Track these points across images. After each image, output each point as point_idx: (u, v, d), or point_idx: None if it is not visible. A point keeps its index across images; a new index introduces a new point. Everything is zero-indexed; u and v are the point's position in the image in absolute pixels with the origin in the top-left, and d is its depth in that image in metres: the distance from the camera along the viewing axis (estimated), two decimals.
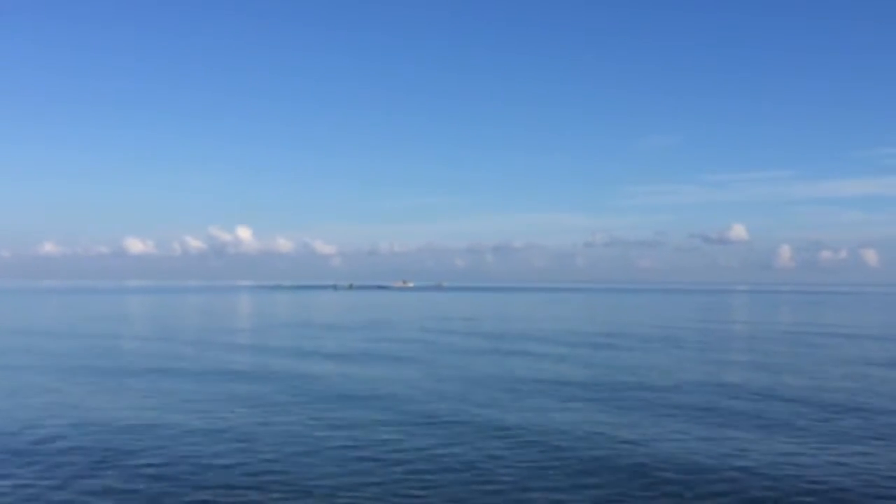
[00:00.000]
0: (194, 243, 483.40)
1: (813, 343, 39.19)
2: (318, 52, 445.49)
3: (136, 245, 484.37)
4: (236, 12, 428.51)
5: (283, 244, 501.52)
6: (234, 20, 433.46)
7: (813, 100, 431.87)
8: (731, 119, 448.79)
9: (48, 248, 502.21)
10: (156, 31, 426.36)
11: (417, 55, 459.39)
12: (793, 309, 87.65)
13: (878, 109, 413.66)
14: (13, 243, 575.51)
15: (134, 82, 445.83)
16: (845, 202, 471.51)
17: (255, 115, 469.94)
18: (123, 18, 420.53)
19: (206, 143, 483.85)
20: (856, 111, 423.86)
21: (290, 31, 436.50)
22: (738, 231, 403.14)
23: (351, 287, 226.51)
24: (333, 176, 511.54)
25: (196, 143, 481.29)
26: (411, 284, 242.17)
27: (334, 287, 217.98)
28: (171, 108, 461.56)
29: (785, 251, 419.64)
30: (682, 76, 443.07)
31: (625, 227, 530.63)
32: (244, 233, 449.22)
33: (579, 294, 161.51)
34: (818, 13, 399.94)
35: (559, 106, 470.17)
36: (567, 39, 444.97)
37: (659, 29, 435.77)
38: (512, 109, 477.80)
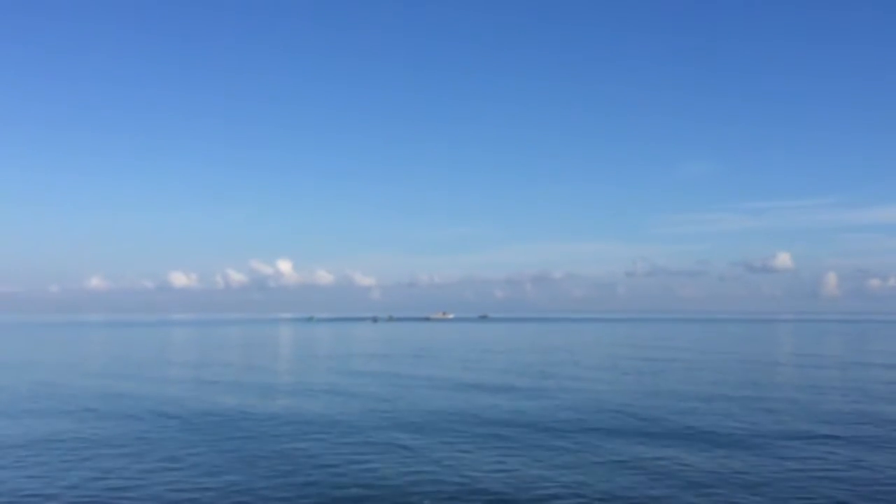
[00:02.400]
0: (236, 277, 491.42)
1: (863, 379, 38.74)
2: (357, 85, 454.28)
3: (179, 279, 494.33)
4: (279, 48, 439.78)
5: (324, 276, 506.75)
6: (274, 56, 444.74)
7: (851, 126, 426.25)
8: (769, 146, 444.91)
9: (95, 282, 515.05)
10: (198, 68, 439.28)
11: (454, 87, 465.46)
12: (842, 340, 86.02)
13: None
14: (61, 278, 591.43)
15: (177, 119, 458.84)
16: (891, 229, 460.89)
17: (294, 148, 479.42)
18: (164, 54, 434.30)
19: (247, 178, 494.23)
20: (895, 137, 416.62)
21: (327, 63, 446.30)
22: (783, 259, 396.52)
23: (391, 319, 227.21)
24: (372, 208, 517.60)
25: (237, 177, 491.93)
26: (451, 316, 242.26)
27: (374, 319, 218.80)
28: (212, 143, 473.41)
29: (831, 279, 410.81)
30: (717, 103, 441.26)
31: (665, 255, 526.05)
32: (285, 266, 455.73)
33: (622, 324, 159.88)
34: (859, 39, 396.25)
35: (596, 135, 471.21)
36: (602, 68, 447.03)
37: (694, 56, 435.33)
38: (548, 139, 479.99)
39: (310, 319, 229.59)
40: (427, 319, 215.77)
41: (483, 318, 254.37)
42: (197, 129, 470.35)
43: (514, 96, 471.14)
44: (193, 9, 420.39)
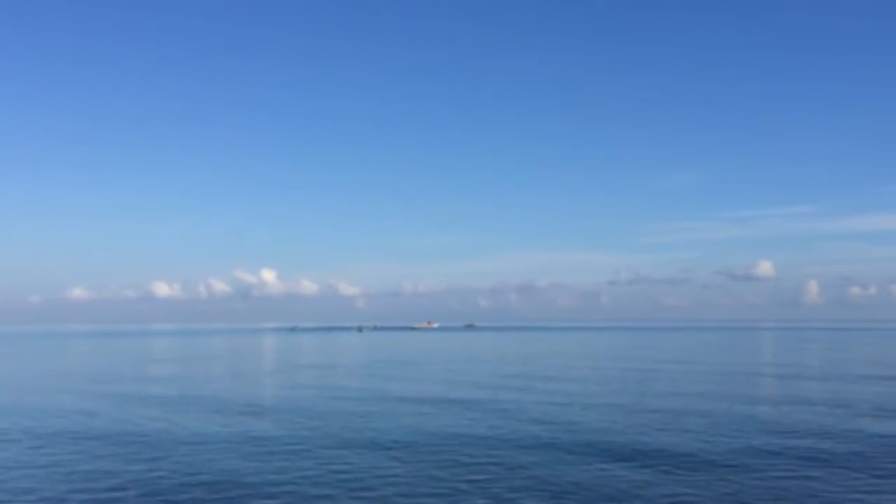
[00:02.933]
0: (220, 286, 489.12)
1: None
2: (340, 95, 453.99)
3: (162, 289, 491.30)
4: (261, 58, 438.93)
5: (308, 286, 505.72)
6: (257, 65, 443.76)
7: (834, 135, 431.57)
8: (752, 155, 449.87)
9: (77, 292, 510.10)
10: (182, 78, 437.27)
11: (439, 97, 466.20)
12: (819, 349, 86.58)
13: None
14: (43, 288, 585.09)
15: (160, 128, 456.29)
16: (872, 237, 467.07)
17: (278, 157, 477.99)
18: (147, 65, 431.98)
19: (230, 187, 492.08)
20: (878, 146, 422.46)
21: (311, 73, 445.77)
22: (765, 267, 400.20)
23: (375, 328, 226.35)
24: (357, 217, 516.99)
25: (220, 186, 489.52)
26: (436, 325, 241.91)
27: (359, 329, 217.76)
28: (196, 153, 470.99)
29: (813, 287, 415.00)
30: (701, 113, 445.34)
31: (649, 264, 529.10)
32: (269, 275, 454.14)
33: (605, 333, 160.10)
34: (839, 49, 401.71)
35: (580, 144, 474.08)
36: (587, 78, 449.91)
37: (678, 67, 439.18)
38: (533, 148, 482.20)
39: (293, 329, 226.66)
40: (414, 329, 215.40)
41: (469, 326, 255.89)
42: (180, 139, 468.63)
43: (500, 106, 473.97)
44: (175, 19, 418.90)
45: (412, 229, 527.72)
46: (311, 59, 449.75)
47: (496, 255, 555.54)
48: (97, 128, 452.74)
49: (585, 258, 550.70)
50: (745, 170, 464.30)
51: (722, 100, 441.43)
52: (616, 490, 15.82)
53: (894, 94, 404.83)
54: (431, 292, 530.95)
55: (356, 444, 21.30)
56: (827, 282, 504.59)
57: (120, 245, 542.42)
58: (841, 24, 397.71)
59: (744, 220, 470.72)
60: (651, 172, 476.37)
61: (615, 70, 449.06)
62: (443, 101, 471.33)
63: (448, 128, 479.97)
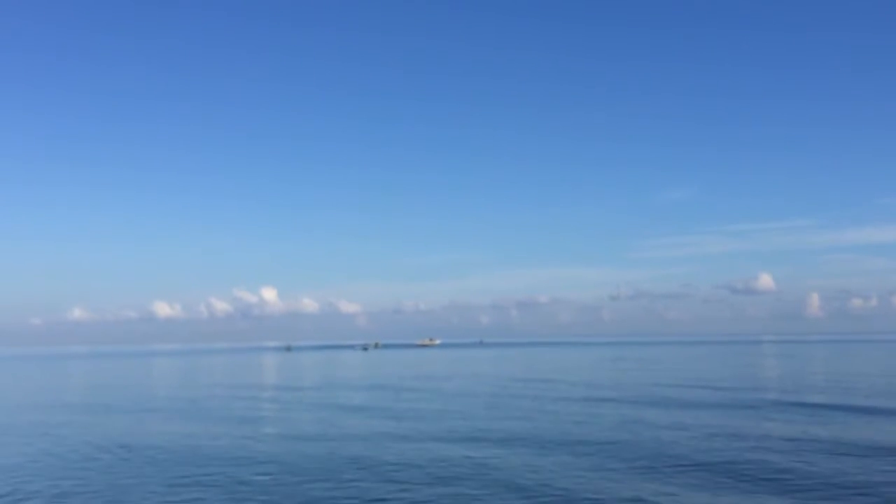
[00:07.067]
0: (220, 306, 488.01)
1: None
2: (339, 115, 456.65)
3: (163, 309, 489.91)
4: (258, 78, 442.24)
5: (309, 304, 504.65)
6: (254, 85, 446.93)
7: (832, 148, 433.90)
8: (749, 169, 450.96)
9: (77, 314, 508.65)
10: (175, 99, 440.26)
11: (436, 116, 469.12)
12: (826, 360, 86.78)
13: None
14: (43, 310, 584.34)
15: (156, 148, 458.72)
16: (870, 249, 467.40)
17: (277, 176, 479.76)
18: (141, 84, 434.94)
19: (230, 206, 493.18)
20: (876, 158, 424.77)
21: (308, 93, 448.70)
22: (765, 281, 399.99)
23: (377, 346, 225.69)
24: (357, 235, 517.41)
25: (220, 206, 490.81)
26: (438, 342, 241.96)
27: (364, 347, 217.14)
28: (195, 173, 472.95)
29: (814, 300, 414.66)
30: (699, 128, 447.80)
31: (650, 279, 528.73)
32: (269, 294, 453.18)
33: (609, 348, 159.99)
34: (835, 63, 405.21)
35: (579, 160, 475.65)
36: (585, 94, 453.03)
37: (676, 83, 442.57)
38: (532, 165, 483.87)
39: (288, 349, 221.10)
40: (423, 346, 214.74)
41: (480, 343, 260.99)
42: (177, 159, 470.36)
43: (497, 124, 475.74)
44: (163, 46, 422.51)
45: (412, 247, 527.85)
46: (309, 79, 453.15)
47: (495, 271, 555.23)
48: (95, 148, 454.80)
49: (586, 273, 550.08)
50: (743, 183, 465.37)
51: (719, 114, 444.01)
52: None
53: (892, 106, 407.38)
54: (432, 309, 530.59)
55: None
56: (828, 294, 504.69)
57: (120, 266, 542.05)
58: (837, 39, 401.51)
59: (743, 233, 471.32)
60: (649, 187, 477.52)
61: (612, 86, 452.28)
62: (442, 119, 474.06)
63: (446, 146, 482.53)
